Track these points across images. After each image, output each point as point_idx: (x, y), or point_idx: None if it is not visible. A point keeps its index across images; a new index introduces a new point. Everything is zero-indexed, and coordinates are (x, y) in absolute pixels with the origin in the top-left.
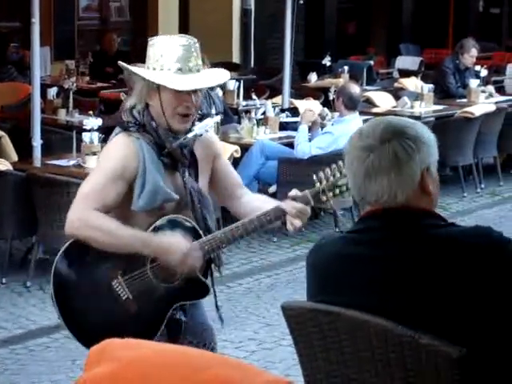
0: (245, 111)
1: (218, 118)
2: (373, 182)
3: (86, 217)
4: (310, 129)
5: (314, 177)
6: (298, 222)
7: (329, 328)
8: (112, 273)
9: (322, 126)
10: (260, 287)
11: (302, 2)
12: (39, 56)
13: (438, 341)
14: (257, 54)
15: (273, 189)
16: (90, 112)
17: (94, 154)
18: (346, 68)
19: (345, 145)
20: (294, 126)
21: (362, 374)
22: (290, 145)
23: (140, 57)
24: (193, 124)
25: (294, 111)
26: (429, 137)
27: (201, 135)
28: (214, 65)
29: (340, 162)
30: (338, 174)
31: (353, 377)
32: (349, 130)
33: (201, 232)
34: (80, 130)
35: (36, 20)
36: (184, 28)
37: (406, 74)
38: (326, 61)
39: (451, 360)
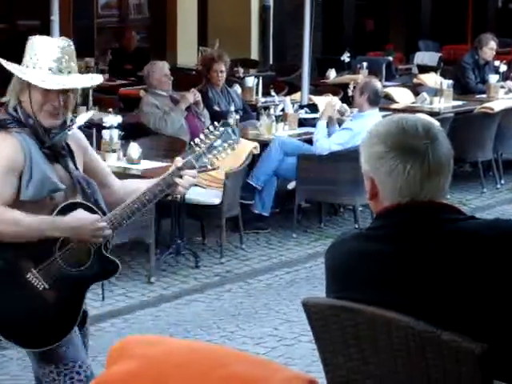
0: (264, 108)
1: (91, 113)
2: (431, 181)
3: None
4: (327, 125)
5: (192, 143)
6: (186, 185)
7: (349, 324)
8: (24, 267)
9: (340, 122)
10: (279, 283)
11: None
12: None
13: (460, 337)
14: (275, 50)
15: (292, 185)
16: (110, 109)
17: (114, 151)
18: (364, 64)
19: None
20: (313, 123)
21: (383, 371)
22: (309, 141)
23: (159, 54)
24: (64, 122)
25: (313, 107)
26: None
27: (80, 128)
28: (233, 61)
29: (211, 127)
30: (212, 137)
31: (373, 373)
32: (368, 126)
33: (99, 213)
34: (100, 127)
35: (55, 17)
36: (203, 25)
37: (425, 69)
38: (345, 57)
39: (473, 356)
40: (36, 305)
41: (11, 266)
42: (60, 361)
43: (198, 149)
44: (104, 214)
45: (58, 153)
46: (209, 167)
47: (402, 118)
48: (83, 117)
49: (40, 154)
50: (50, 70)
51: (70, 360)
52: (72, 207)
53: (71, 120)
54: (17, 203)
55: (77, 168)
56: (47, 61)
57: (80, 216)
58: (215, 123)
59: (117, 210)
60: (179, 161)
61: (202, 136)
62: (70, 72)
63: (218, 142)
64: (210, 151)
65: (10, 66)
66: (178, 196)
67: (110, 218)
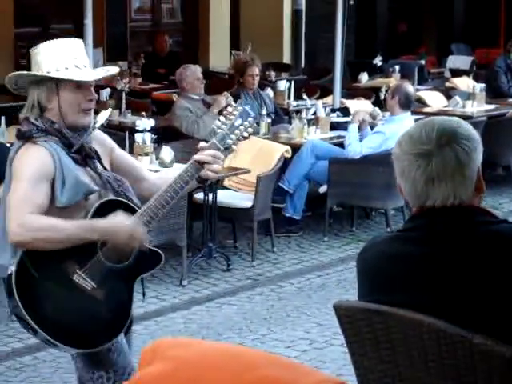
0: (295, 111)
1: (109, 112)
2: (436, 187)
3: (25, 222)
4: (359, 128)
5: (213, 126)
6: (216, 167)
7: (381, 327)
8: (69, 269)
9: (373, 126)
10: (311, 287)
11: (352, 2)
12: (92, 57)
13: (491, 340)
14: (308, 54)
15: (323, 189)
16: (143, 113)
17: (147, 154)
18: (397, 68)
19: (393, 151)
20: (345, 126)
21: (415, 374)
22: (341, 145)
23: (192, 58)
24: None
25: (345, 111)
26: (477, 135)
27: (103, 125)
28: (266, 65)
29: (230, 108)
30: (232, 117)
31: (405, 376)
32: (400, 130)
33: (134, 206)
34: (132, 130)
35: (89, 21)
36: (235, 29)
37: (457, 73)
38: (377, 60)
39: (504, 360)
40: (87, 305)
41: (57, 270)
42: (111, 367)
43: (220, 130)
44: (137, 209)
45: (86, 155)
46: (233, 147)
47: (425, 122)
48: (103, 115)
49: (69, 160)
50: (76, 66)
51: (120, 366)
52: (107, 204)
53: (93, 120)
54: (52, 210)
55: (105, 168)
56: (70, 59)
57: (117, 219)
58: (232, 103)
59: (150, 201)
60: (203, 145)
61: (222, 118)
62: (88, 66)
63: (239, 121)
64: (233, 131)
65: (31, 73)
66: (210, 180)
67: (146, 210)
